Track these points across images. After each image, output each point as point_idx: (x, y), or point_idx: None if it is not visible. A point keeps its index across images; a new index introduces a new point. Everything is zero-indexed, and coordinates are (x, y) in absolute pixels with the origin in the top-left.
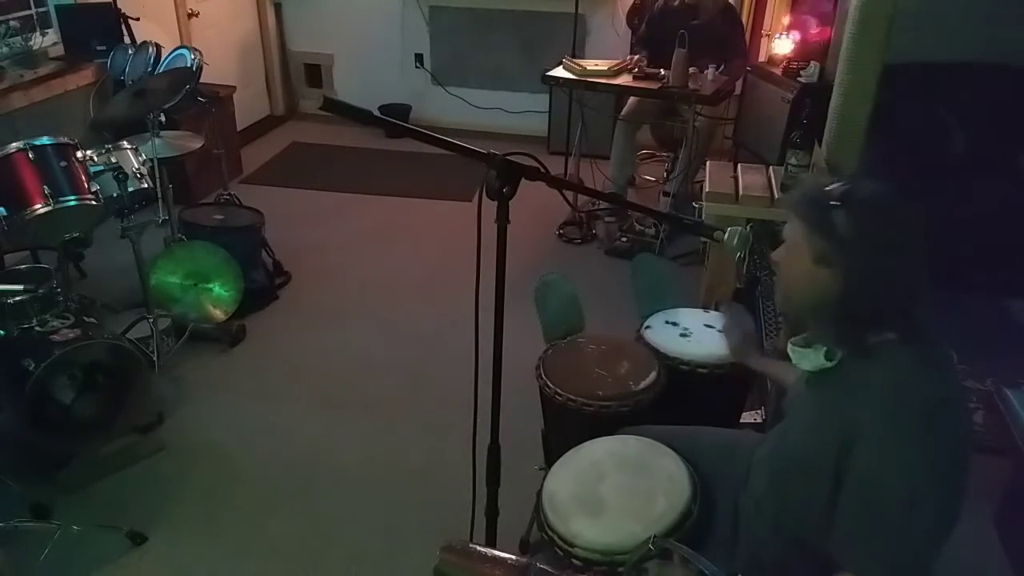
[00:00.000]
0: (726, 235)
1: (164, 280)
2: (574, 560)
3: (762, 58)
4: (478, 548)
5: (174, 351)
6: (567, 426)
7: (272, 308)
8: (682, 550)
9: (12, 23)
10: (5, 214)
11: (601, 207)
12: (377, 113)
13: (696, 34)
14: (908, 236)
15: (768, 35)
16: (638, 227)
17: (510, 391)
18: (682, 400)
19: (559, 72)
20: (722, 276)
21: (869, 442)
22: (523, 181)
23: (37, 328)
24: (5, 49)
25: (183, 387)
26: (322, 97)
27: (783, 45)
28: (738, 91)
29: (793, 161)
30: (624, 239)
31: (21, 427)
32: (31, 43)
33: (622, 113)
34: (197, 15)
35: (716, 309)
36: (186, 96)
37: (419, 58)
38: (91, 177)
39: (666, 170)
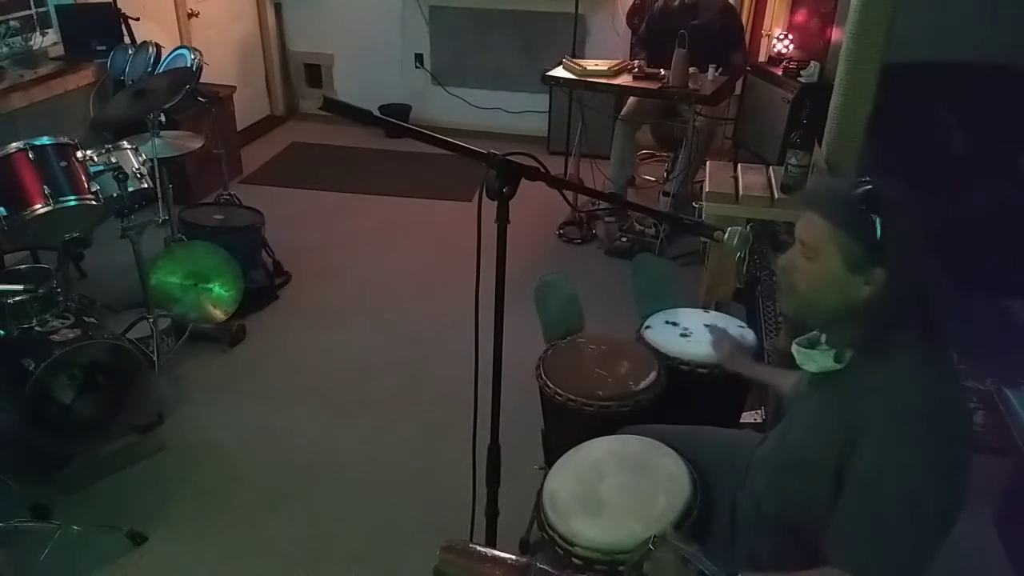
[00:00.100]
0: (726, 235)
1: (164, 280)
2: (574, 560)
3: (762, 58)
4: (478, 548)
5: (174, 351)
6: (567, 426)
7: (272, 308)
8: (682, 549)
9: (12, 23)
10: (5, 214)
11: (601, 207)
12: (377, 113)
13: (696, 34)
14: (928, 233)
15: (768, 35)
16: (638, 227)
17: (510, 391)
18: (682, 400)
19: (559, 72)
20: (722, 276)
21: (871, 442)
22: (523, 181)
23: (37, 328)
24: (5, 49)
25: (183, 387)
26: (322, 97)
27: (783, 45)
28: (738, 91)
29: (793, 161)
30: (624, 239)
31: (21, 427)
32: (31, 43)
33: (622, 113)
34: (197, 15)
35: (716, 309)
36: (186, 96)
37: (419, 58)
38: (91, 177)
39: (666, 170)
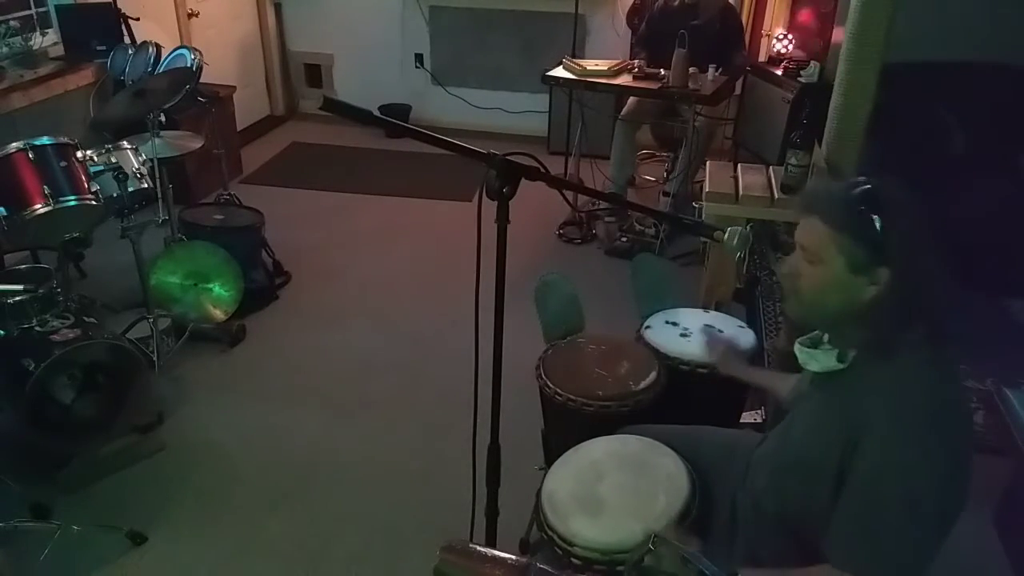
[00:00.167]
0: (726, 235)
1: (164, 280)
2: (574, 559)
3: (762, 58)
4: (478, 548)
5: (174, 351)
6: (567, 426)
7: (272, 308)
8: (682, 549)
9: (12, 23)
10: (5, 214)
11: (601, 207)
12: (377, 113)
13: (696, 34)
14: (930, 230)
15: (768, 35)
16: (638, 227)
17: (510, 391)
18: (682, 400)
19: (559, 72)
20: (722, 276)
21: (874, 441)
22: (523, 181)
23: (37, 328)
24: (5, 49)
25: (183, 387)
26: (322, 97)
27: (783, 45)
28: (738, 91)
29: (793, 161)
30: (624, 239)
31: (21, 427)
32: (31, 43)
33: (622, 113)
34: (197, 15)
35: (716, 309)
36: (186, 96)
37: (419, 58)
38: (91, 177)
39: (666, 170)
